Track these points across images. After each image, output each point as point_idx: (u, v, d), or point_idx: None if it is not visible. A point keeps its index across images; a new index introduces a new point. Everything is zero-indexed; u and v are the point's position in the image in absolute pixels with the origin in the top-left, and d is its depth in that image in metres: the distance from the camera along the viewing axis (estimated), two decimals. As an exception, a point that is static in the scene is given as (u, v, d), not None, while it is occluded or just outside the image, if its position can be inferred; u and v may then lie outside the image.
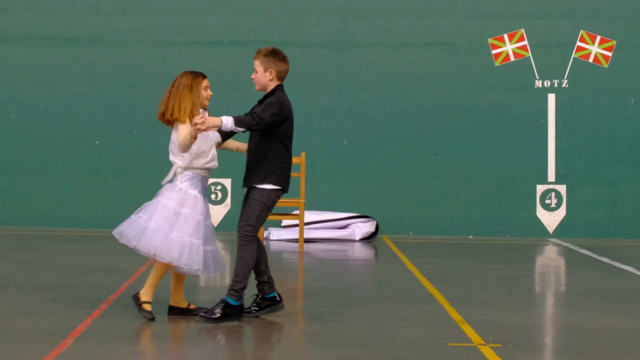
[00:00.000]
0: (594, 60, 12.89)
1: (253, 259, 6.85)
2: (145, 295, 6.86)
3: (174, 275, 7.01)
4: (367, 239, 12.33)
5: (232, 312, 6.86)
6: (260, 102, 7.02)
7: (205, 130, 6.62)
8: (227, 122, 6.66)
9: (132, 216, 6.88)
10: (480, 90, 12.91)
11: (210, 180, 12.76)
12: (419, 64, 12.92)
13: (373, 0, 12.94)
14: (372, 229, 12.41)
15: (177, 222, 6.77)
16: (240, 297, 6.89)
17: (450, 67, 12.91)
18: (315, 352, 6.09)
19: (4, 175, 12.92)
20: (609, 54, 12.85)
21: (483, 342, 6.31)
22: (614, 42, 12.86)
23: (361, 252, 11.40)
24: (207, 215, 6.92)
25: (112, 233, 6.89)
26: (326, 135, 12.88)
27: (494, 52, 12.90)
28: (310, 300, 7.73)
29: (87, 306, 7.28)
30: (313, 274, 9.46)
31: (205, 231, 6.85)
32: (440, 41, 12.93)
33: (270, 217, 11.24)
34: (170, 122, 6.92)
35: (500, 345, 6.22)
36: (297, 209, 11.55)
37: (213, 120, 6.61)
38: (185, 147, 6.75)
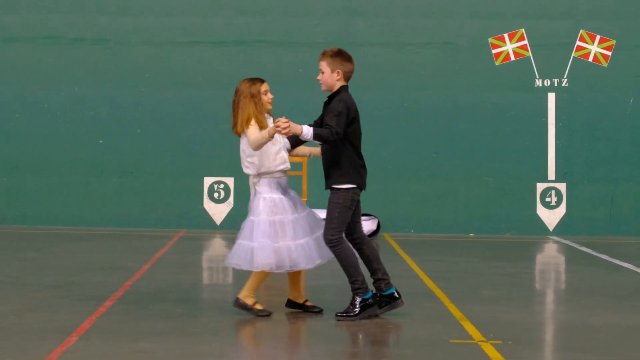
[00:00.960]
0: (593, 60, 12.88)
1: (352, 254, 6.97)
2: (249, 299, 6.96)
3: (289, 273, 7.11)
4: (369, 237, 12.17)
5: (368, 305, 6.95)
6: (326, 103, 7.08)
7: (285, 134, 6.72)
8: (307, 133, 6.81)
9: (236, 244, 6.96)
10: (481, 90, 12.92)
11: (213, 179, 12.87)
12: (420, 64, 12.92)
13: (375, 0, 12.94)
14: (374, 227, 12.42)
15: (277, 231, 6.87)
16: (366, 289, 6.96)
17: (451, 67, 12.91)
18: (318, 349, 6.13)
19: (9, 174, 12.92)
20: (609, 53, 12.85)
21: (484, 338, 6.34)
22: (614, 42, 12.86)
23: None
24: (302, 208, 7.03)
25: (227, 264, 7.00)
26: None
27: (494, 51, 12.90)
28: (313, 297, 7.71)
29: (91, 304, 7.31)
30: (316, 272, 9.26)
31: (305, 224, 6.96)
32: (442, 41, 12.93)
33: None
34: (239, 133, 7.00)
35: (501, 342, 6.25)
36: None
37: (295, 127, 6.73)
38: (259, 146, 6.83)
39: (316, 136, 6.84)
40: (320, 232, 7.00)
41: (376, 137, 12.87)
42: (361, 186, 7.17)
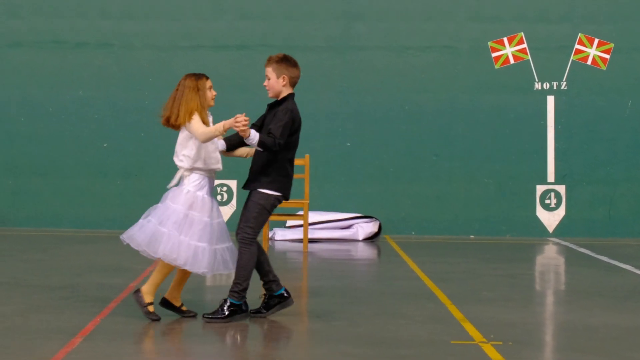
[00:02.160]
0: (592, 63, 12.90)
1: (254, 260, 6.86)
2: (148, 295, 6.85)
3: (180, 272, 7.00)
4: (370, 239, 12.36)
5: (237, 311, 6.88)
6: (271, 107, 7.05)
7: (241, 131, 6.64)
8: (254, 138, 6.74)
9: (141, 220, 6.87)
10: (480, 93, 12.93)
11: (217, 182, 12.89)
12: (421, 67, 12.94)
13: (376, 4, 12.95)
14: (375, 229, 12.43)
15: (186, 225, 6.75)
16: (241, 297, 6.89)
17: (451, 70, 12.93)
18: (319, 350, 6.15)
19: (15, 176, 12.94)
20: (607, 56, 12.87)
21: (484, 339, 6.35)
22: (612, 45, 12.88)
23: (364, 251, 11.41)
24: (217, 214, 6.91)
25: (120, 237, 6.90)
26: (330, 137, 12.88)
27: (494, 55, 12.91)
28: (314, 299, 7.75)
29: (95, 305, 7.33)
30: (317, 274, 9.45)
31: (214, 231, 6.83)
32: (442, 44, 12.94)
33: (276, 218, 11.32)
34: (176, 126, 6.93)
35: (501, 342, 6.27)
36: (301, 209, 11.54)
37: (247, 130, 6.68)
38: (209, 139, 6.77)
39: (260, 143, 6.76)
40: (228, 243, 6.92)
41: (377, 139, 12.89)
42: (286, 197, 7.03)
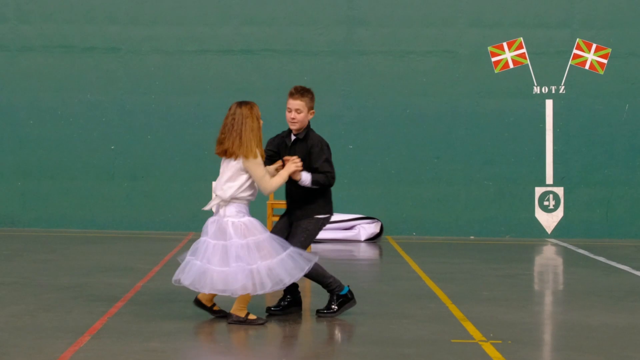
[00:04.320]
0: (590, 67, 12.90)
1: (316, 268, 6.92)
2: (242, 311, 6.71)
3: None
4: (372, 239, 12.40)
5: (345, 300, 6.98)
6: (295, 142, 6.89)
7: (295, 176, 6.57)
8: (307, 179, 6.75)
9: (199, 263, 6.62)
10: (481, 97, 12.93)
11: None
12: (422, 71, 12.94)
13: (378, 10, 12.94)
14: (377, 230, 12.47)
15: (252, 251, 6.58)
16: (340, 286, 6.95)
17: (452, 74, 12.93)
18: (322, 349, 6.21)
19: (24, 178, 12.96)
20: (605, 61, 12.86)
21: (484, 338, 6.41)
22: (609, 50, 12.88)
23: (366, 252, 11.42)
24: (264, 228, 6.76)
25: (186, 284, 6.66)
26: (333, 139, 12.41)
27: (493, 59, 12.91)
28: (318, 298, 7.74)
29: (103, 304, 7.35)
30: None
31: (277, 241, 6.74)
32: (443, 49, 12.94)
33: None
34: (232, 155, 6.61)
35: (500, 341, 6.32)
36: None
37: (300, 173, 6.68)
38: (275, 188, 6.62)
39: (315, 182, 6.71)
40: (290, 248, 6.77)
41: (379, 142, 12.89)
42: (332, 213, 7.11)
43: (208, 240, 6.69)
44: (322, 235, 12.17)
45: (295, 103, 6.86)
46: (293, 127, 6.92)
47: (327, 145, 6.96)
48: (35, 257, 10.20)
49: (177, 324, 6.75)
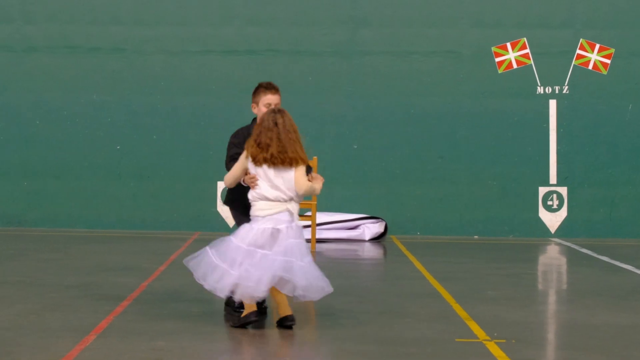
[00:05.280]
0: (593, 68, 12.91)
1: None
2: (286, 311, 6.70)
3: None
4: (377, 239, 12.41)
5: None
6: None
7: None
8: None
9: (299, 263, 6.63)
10: (484, 97, 12.94)
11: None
12: (425, 72, 12.96)
13: (381, 10, 12.96)
14: (381, 230, 12.48)
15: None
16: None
17: (455, 75, 12.95)
18: (327, 348, 6.23)
19: (30, 178, 12.98)
20: (608, 61, 12.87)
21: (488, 337, 6.39)
22: (613, 50, 12.89)
23: (371, 251, 11.45)
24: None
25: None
26: (337, 139, 12.89)
27: (497, 59, 12.92)
28: (322, 298, 7.73)
29: (109, 304, 7.34)
30: (325, 273, 8.86)
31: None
32: (446, 50, 12.96)
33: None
34: (286, 163, 6.62)
35: (504, 340, 6.29)
36: (309, 210, 11.48)
37: None
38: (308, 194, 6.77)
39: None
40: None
41: (383, 142, 12.92)
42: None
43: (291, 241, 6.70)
44: (326, 234, 12.28)
45: (275, 98, 6.96)
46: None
47: None
48: (41, 256, 10.22)
49: (182, 323, 6.76)
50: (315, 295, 6.61)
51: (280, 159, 6.57)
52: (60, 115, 13.07)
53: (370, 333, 6.57)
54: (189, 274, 9.00)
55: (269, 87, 7.02)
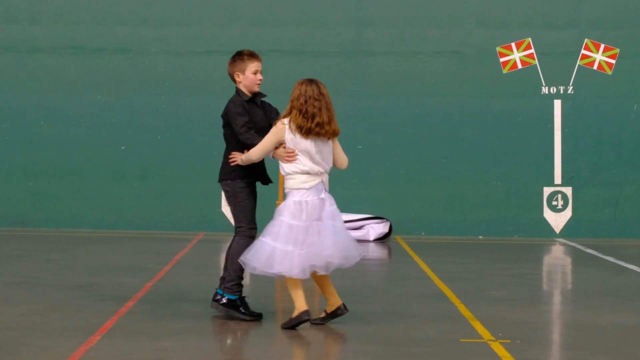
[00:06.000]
0: (598, 68, 12.92)
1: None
2: (338, 301, 6.74)
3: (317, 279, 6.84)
4: (381, 239, 12.44)
5: (234, 305, 6.90)
6: (263, 103, 7.14)
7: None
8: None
9: (347, 232, 6.77)
10: (489, 97, 12.97)
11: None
12: (430, 72, 12.98)
13: (386, 11, 13.00)
14: (386, 230, 12.51)
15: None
16: (235, 291, 6.92)
17: (460, 75, 12.98)
18: (332, 348, 6.28)
19: (35, 179, 13.02)
20: (613, 61, 12.88)
21: (493, 337, 6.43)
22: (617, 50, 12.90)
23: (375, 252, 11.45)
24: None
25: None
26: (341, 139, 12.42)
27: (502, 60, 12.94)
28: (322, 299, 7.63)
29: (113, 304, 7.38)
30: (329, 273, 9.55)
31: None
32: (451, 50, 12.99)
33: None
34: (329, 134, 6.68)
35: (509, 341, 6.34)
36: None
37: None
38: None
39: None
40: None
41: (387, 142, 12.94)
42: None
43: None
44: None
45: (260, 64, 7.04)
46: (258, 89, 7.05)
47: None
48: (46, 256, 10.25)
49: (186, 323, 6.78)
50: (352, 261, 6.72)
51: (326, 130, 6.57)
52: (65, 116, 13.11)
53: (375, 333, 6.59)
54: (192, 274, 9.00)
55: (254, 54, 7.10)
